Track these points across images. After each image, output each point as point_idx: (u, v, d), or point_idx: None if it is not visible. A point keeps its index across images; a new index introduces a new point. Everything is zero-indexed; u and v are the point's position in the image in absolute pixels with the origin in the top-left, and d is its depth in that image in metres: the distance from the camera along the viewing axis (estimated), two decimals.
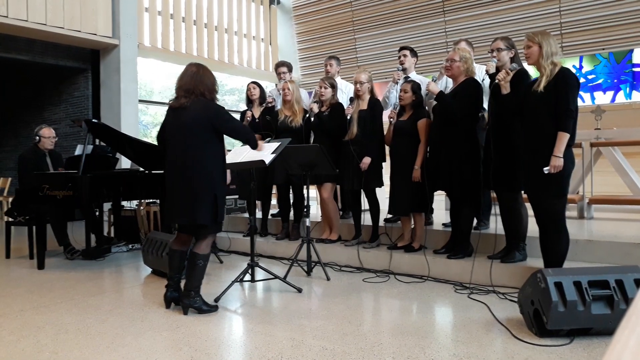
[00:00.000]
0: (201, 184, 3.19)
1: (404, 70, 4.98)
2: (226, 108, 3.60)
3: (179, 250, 3.39)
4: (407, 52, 5.04)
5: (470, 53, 4.24)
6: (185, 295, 3.29)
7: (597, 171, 5.78)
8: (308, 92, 6.28)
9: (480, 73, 4.40)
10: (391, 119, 4.50)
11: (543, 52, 3.27)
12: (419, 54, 5.31)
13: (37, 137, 5.57)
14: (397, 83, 4.85)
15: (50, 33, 8.14)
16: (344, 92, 5.45)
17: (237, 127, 3.47)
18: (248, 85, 5.65)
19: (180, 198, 3.23)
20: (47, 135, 5.61)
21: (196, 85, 3.21)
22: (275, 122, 5.17)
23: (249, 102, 5.61)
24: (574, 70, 8.63)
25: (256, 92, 5.54)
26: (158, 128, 3.56)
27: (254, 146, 3.55)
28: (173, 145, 3.28)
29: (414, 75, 5.00)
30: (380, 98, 4.88)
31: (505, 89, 3.60)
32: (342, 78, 5.75)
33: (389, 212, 4.66)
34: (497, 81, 3.63)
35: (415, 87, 4.40)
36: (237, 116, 5.53)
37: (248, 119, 5.39)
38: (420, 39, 10.10)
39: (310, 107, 4.99)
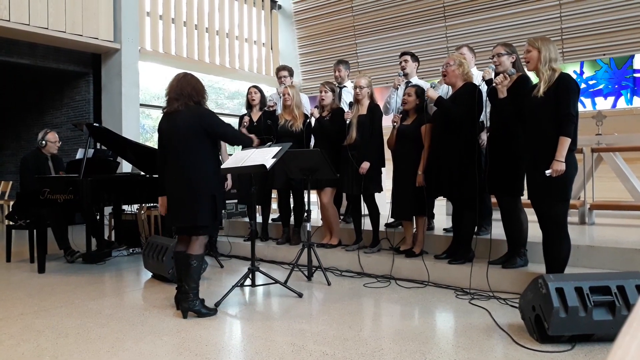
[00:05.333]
0: (199, 186, 3.28)
1: (406, 75, 5.00)
2: (227, 112, 3.67)
3: (183, 251, 3.41)
4: (408, 57, 5.06)
5: (466, 58, 4.25)
6: (183, 299, 3.30)
7: (598, 177, 5.77)
8: (309, 97, 6.27)
9: (478, 79, 4.40)
10: (395, 123, 4.50)
11: (542, 57, 3.29)
12: (419, 59, 5.32)
13: (44, 142, 5.58)
14: (397, 89, 4.86)
15: (52, 37, 8.16)
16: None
17: (227, 132, 3.51)
18: (249, 89, 5.65)
19: (180, 201, 3.32)
20: (53, 140, 5.65)
21: (183, 87, 3.32)
22: (276, 126, 5.17)
23: (249, 106, 5.61)
24: (574, 76, 8.67)
25: (257, 97, 5.54)
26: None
27: (250, 142, 3.67)
28: (170, 150, 3.37)
29: (415, 80, 5.01)
30: (380, 103, 4.88)
31: (502, 93, 3.62)
32: (351, 82, 5.75)
33: (392, 216, 4.65)
34: (494, 84, 3.66)
35: (420, 91, 4.40)
36: (237, 120, 5.54)
37: (245, 123, 5.39)
38: (421, 44, 10.12)
39: (311, 112, 5.00)
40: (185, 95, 3.30)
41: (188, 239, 3.41)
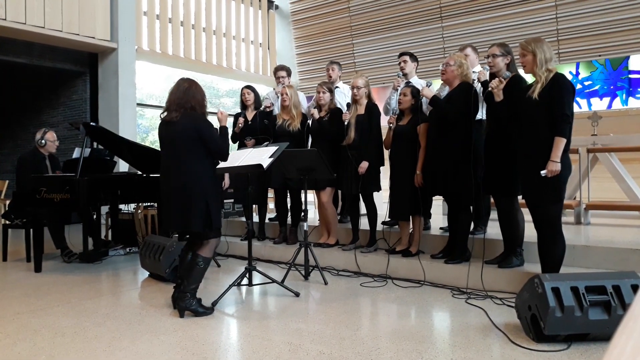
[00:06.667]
0: (192, 191, 3.26)
1: (405, 75, 5.00)
2: (223, 110, 3.67)
3: (191, 250, 3.44)
4: (407, 58, 5.06)
5: (469, 58, 4.26)
6: (181, 298, 3.31)
7: (593, 177, 5.80)
8: (306, 97, 6.27)
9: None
10: (390, 124, 4.51)
11: (537, 60, 3.28)
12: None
13: (43, 141, 5.57)
14: (397, 90, 4.86)
15: (48, 36, 8.13)
16: (347, 96, 5.45)
17: (217, 145, 3.38)
18: (242, 89, 5.66)
19: (173, 206, 3.32)
20: (52, 139, 5.65)
21: (188, 99, 3.32)
22: (273, 126, 5.18)
23: (244, 107, 5.62)
24: (570, 77, 8.70)
25: (251, 97, 5.55)
26: (156, 131, 3.62)
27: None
28: (165, 156, 3.39)
29: (415, 80, 5.01)
30: (377, 103, 4.88)
31: (498, 97, 3.63)
32: (343, 83, 5.75)
33: (389, 217, 4.66)
34: (490, 89, 3.67)
35: (415, 91, 4.42)
36: (231, 119, 5.54)
37: (240, 125, 5.40)
38: (418, 44, 10.13)
39: (311, 113, 4.99)
40: (188, 107, 3.31)
41: (199, 243, 3.43)
